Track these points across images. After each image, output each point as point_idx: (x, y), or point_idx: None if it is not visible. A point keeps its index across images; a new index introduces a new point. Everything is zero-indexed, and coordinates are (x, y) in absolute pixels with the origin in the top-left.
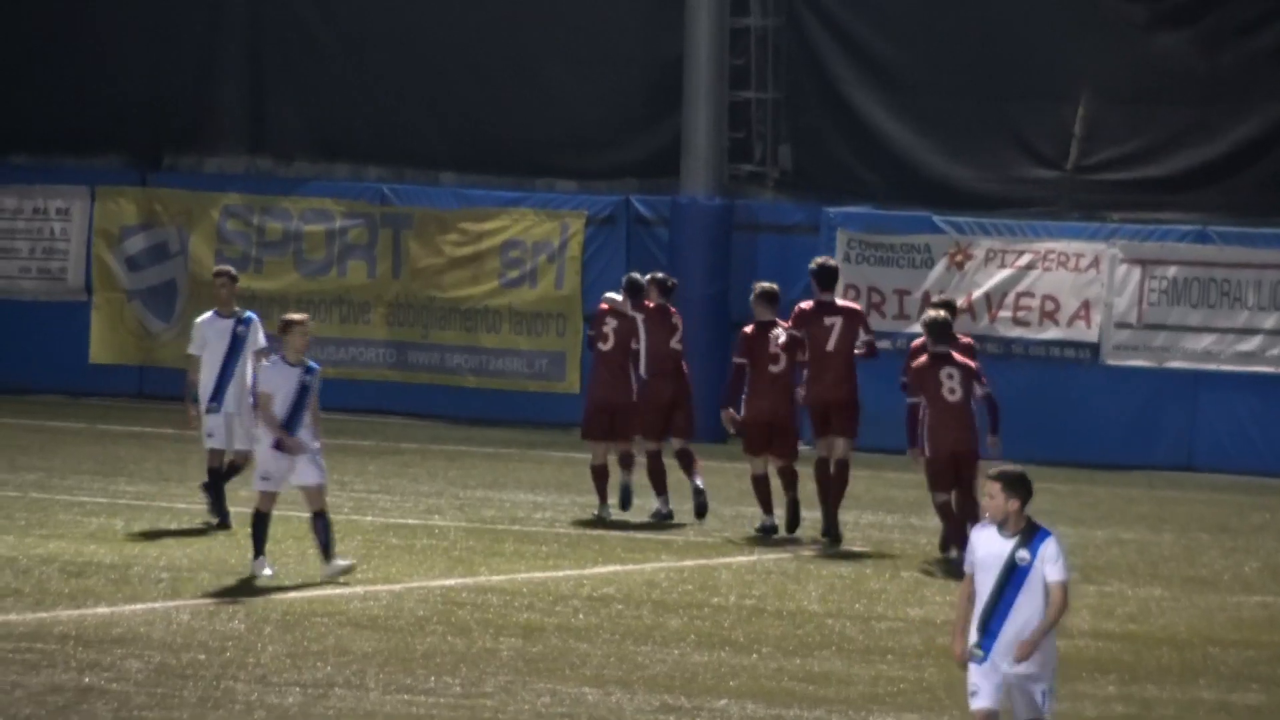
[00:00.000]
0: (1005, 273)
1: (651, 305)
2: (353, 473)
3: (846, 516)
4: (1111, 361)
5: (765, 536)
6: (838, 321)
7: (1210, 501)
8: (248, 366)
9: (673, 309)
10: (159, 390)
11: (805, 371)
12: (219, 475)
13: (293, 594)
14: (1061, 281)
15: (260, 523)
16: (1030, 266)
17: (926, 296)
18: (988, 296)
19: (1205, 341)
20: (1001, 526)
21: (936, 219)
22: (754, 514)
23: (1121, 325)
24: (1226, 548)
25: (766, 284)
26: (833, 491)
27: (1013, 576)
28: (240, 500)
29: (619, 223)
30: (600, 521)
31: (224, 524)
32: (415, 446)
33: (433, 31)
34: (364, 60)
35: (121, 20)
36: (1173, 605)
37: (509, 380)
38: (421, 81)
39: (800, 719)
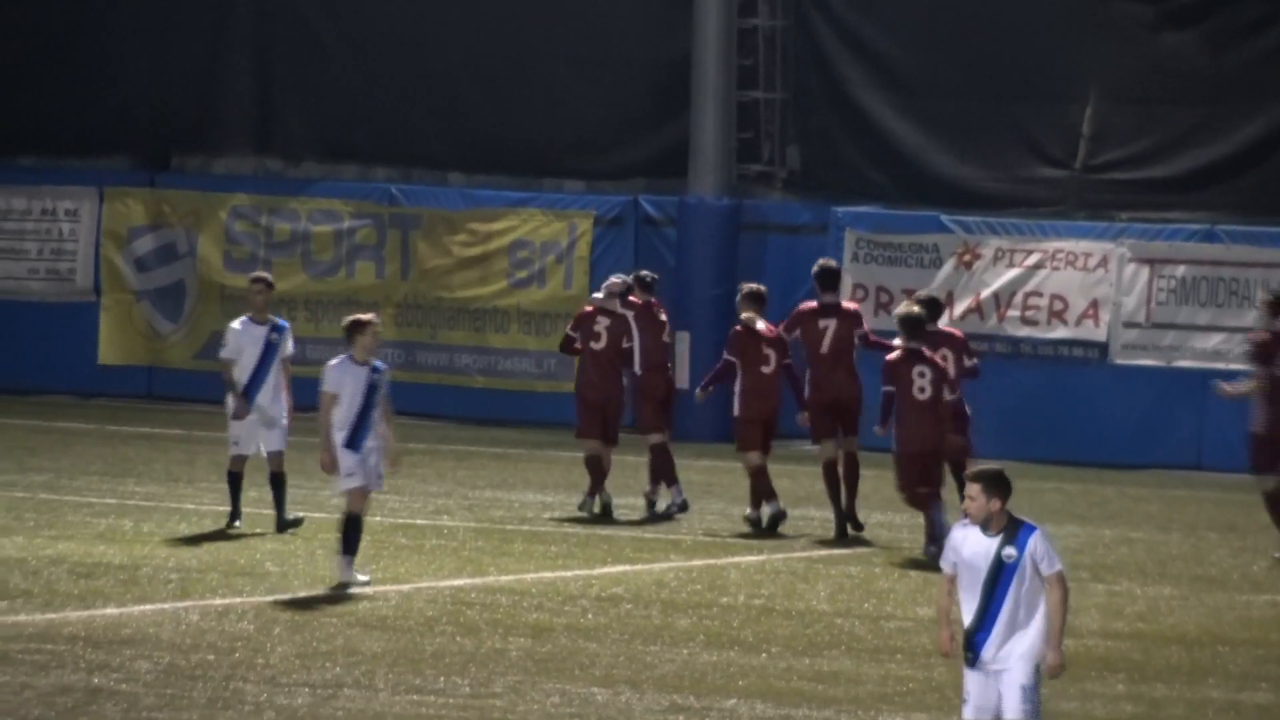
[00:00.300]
0: (1013, 272)
1: (638, 302)
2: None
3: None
4: (1120, 361)
5: (778, 523)
6: (832, 324)
7: (1219, 501)
8: (278, 374)
9: (656, 303)
10: (168, 391)
11: (807, 373)
12: (238, 480)
13: (301, 594)
14: (1069, 281)
15: (353, 526)
16: (1038, 266)
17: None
18: (996, 296)
19: (1213, 341)
20: (985, 526)
21: (945, 219)
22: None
23: (1130, 324)
24: (1235, 547)
25: (752, 284)
26: (847, 485)
27: (1001, 575)
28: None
29: (627, 223)
30: (589, 515)
31: (234, 520)
32: (424, 447)
33: (440, 32)
34: (371, 61)
35: (129, 22)
36: (1181, 604)
37: (517, 381)
38: (429, 82)
39: (809, 718)
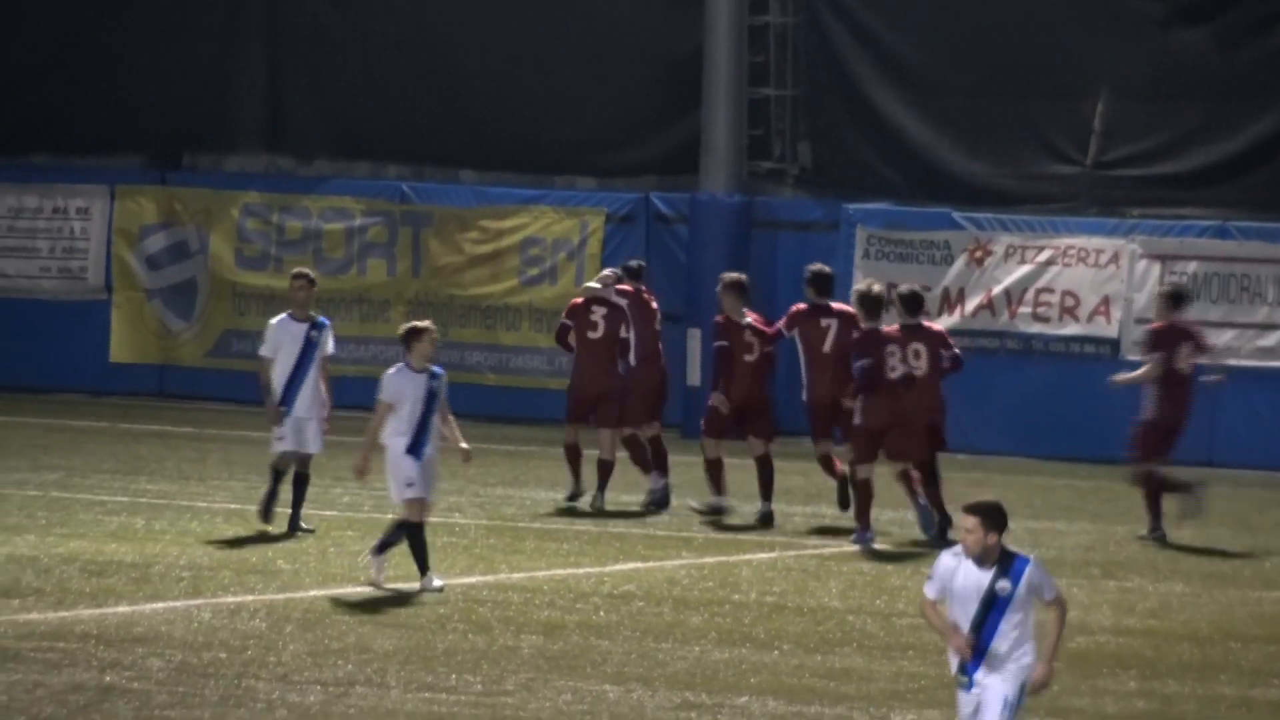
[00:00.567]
0: (1025, 269)
1: (630, 290)
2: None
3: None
4: (1132, 357)
5: (716, 516)
6: (834, 323)
7: (1230, 497)
8: (317, 371)
9: (647, 291)
10: (179, 389)
11: (806, 373)
12: (281, 476)
13: (313, 592)
14: (1081, 277)
15: (416, 536)
16: (1050, 262)
17: (946, 293)
18: (1007, 293)
19: (1225, 337)
20: (979, 559)
21: (956, 215)
22: (776, 510)
23: (1141, 321)
24: (1247, 543)
25: (734, 274)
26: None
27: (993, 608)
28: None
29: (638, 220)
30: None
31: (266, 519)
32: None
33: (451, 30)
34: (383, 58)
35: (140, 20)
36: (1193, 600)
37: (529, 378)
38: (441, 79)
39: (821, 716)
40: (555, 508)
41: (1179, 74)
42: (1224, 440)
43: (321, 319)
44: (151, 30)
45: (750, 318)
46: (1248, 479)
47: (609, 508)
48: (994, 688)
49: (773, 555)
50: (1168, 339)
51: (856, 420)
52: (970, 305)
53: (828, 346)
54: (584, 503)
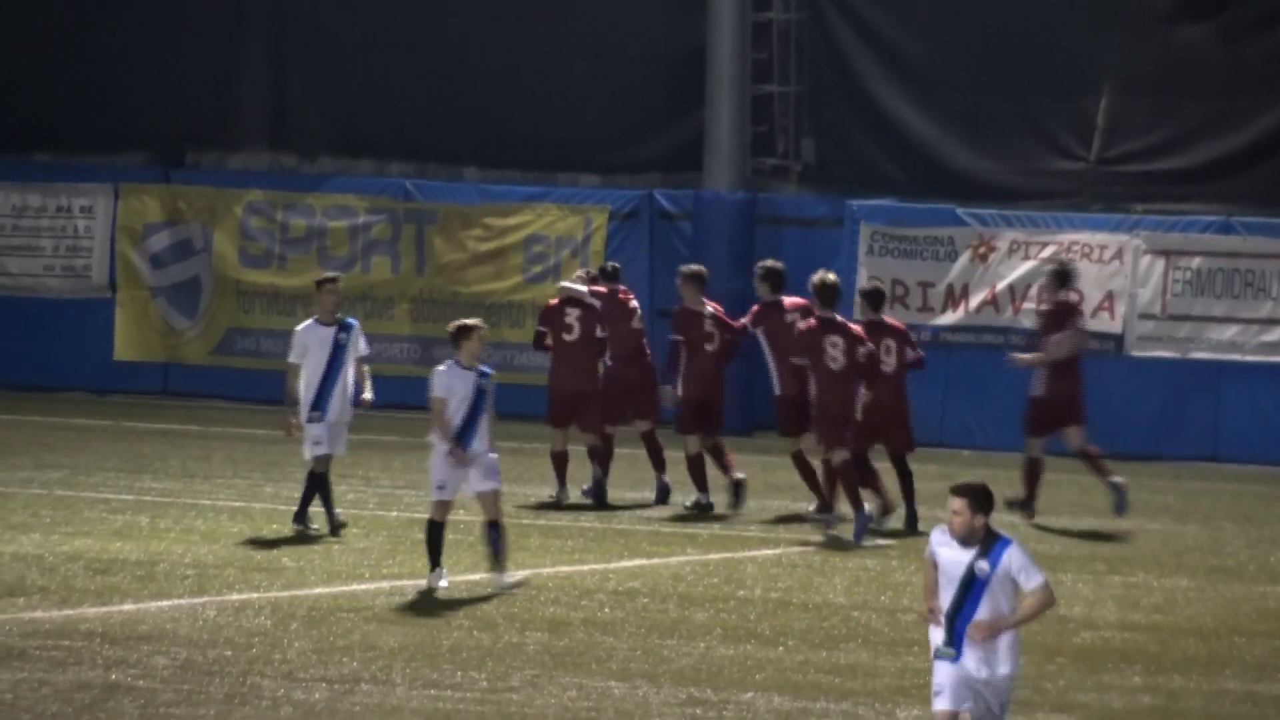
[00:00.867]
0: (1029, 265)
1: (604, 291)
2: (378, 468)
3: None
4: (1135, 353)
5: (700, 512)
6: (797, 318)
7: (1235, 492)
8: (350, 373)
9: (624, 291)
10: (183, 387)
11: (775, 369)
12: (317, 480)
13: (318, 590)
14: (1085, 273)
15: (435, 533)
16: (1054, 258)
17: (950, 289)
18: (1011, 289)
19: (1229, 332)
20: (964, 540)
21: (960, 211)
22: (779, 506)
23: (1145, 316)
24: (1252, 538)
25: (693, 266)
26: (808, 477)
27: (972, 587)
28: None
29: (642, 217)
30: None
31: (336, 529)
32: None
33: (455, 27)
34: (386, 56)
35: (144, 18)
36: (1198, 596)
37: (533, 375)
38: (444, 77)
39: (827, 711)
40: (559, 504)
41: (1183, 70)
42: (1229, 435)
43: (349, 320)
44: (155, 28)
45: (711, 307)
46: (1252, 474)
47: (612, 502)
48: (986, 672)
49: (778, 551)
50: (1056, 319)
51: (814, 415)
52: (974, 301)
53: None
54: (576, 497)
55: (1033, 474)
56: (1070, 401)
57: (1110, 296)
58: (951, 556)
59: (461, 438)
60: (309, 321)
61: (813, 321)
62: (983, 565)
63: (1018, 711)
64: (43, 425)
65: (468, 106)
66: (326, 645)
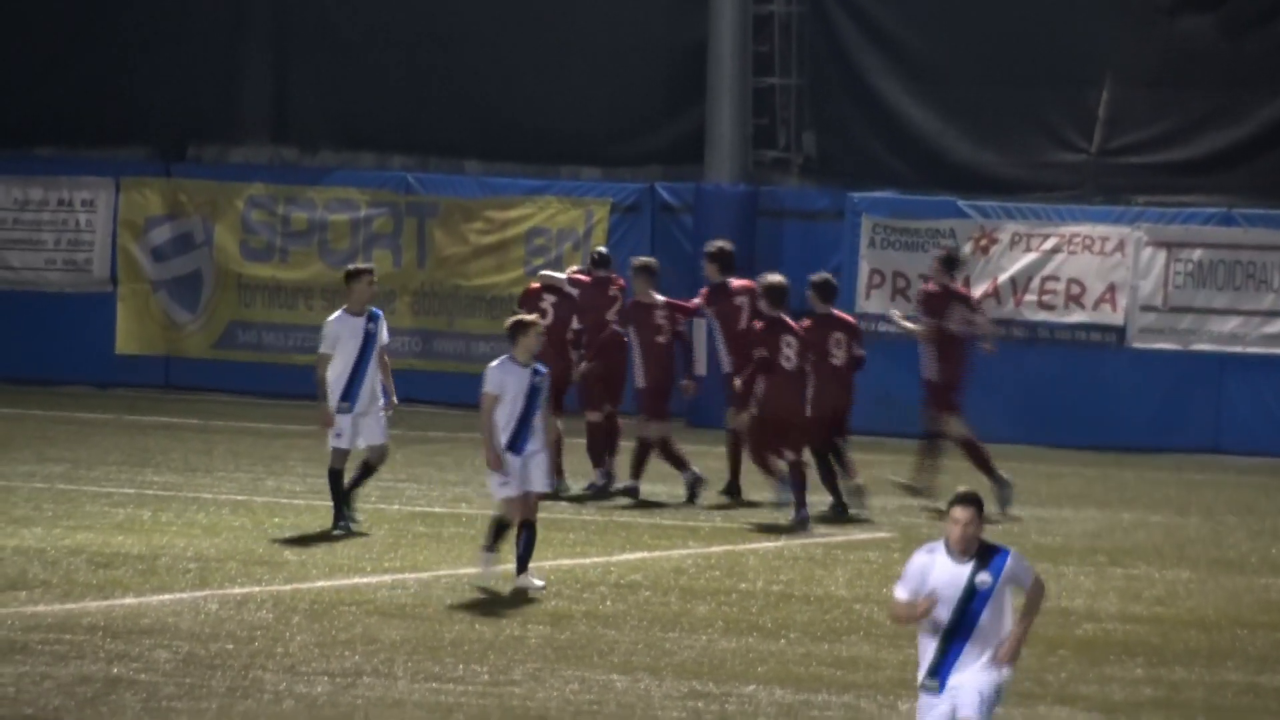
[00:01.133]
0: (1030, 257)
1: (588, 281)
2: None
3: (875, 501)
4: (1137, 345)
5: (694, 492)
6: (745, 301)
7: (1237, 484)
8: (376, 364)
9: (614, 281)
10: (185, 381)
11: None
12: (340, 477)
13: (320, 583)
14: (1087, 265)
15: (519, 532)
16: (1055, 250)
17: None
18: (1013, 281)
19: (1231, 324)
20: (959, 553)
21: (961, 204)
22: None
23: (1147, 308)
24: (1253, 530)
25: (644, 258)
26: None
27: (972, 602)
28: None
29: (644, 210)
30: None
31: (343, 526)
32: (442, 435)
33: (456, 20)
34: (387, 50)
35: (146, 12)
36: (1200, 588)
37: None
38: (445, 70)
39: (829, 704)
40: (575, 500)
41: (1184, 61)
42: (1230, 427)
43: (375, 310)
44: (157, 23)
45: (662, 299)
46: (1254, 466)
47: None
48: (968, 685)
49: (779, 544)
50: (940, 301)
51: (755, 411)
52: (975, 293)
53: (743, 324)
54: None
55: (975, 452)
56: (950, 388)
57: (1112, 289)
58: (947, 575)
59: (516, 437)
60: (339, 313)
61: (767, 322)
62: (984, 578)
63: (1019, 704)
64: (44, 419)
65: (469, 99)
66: (328, 639)
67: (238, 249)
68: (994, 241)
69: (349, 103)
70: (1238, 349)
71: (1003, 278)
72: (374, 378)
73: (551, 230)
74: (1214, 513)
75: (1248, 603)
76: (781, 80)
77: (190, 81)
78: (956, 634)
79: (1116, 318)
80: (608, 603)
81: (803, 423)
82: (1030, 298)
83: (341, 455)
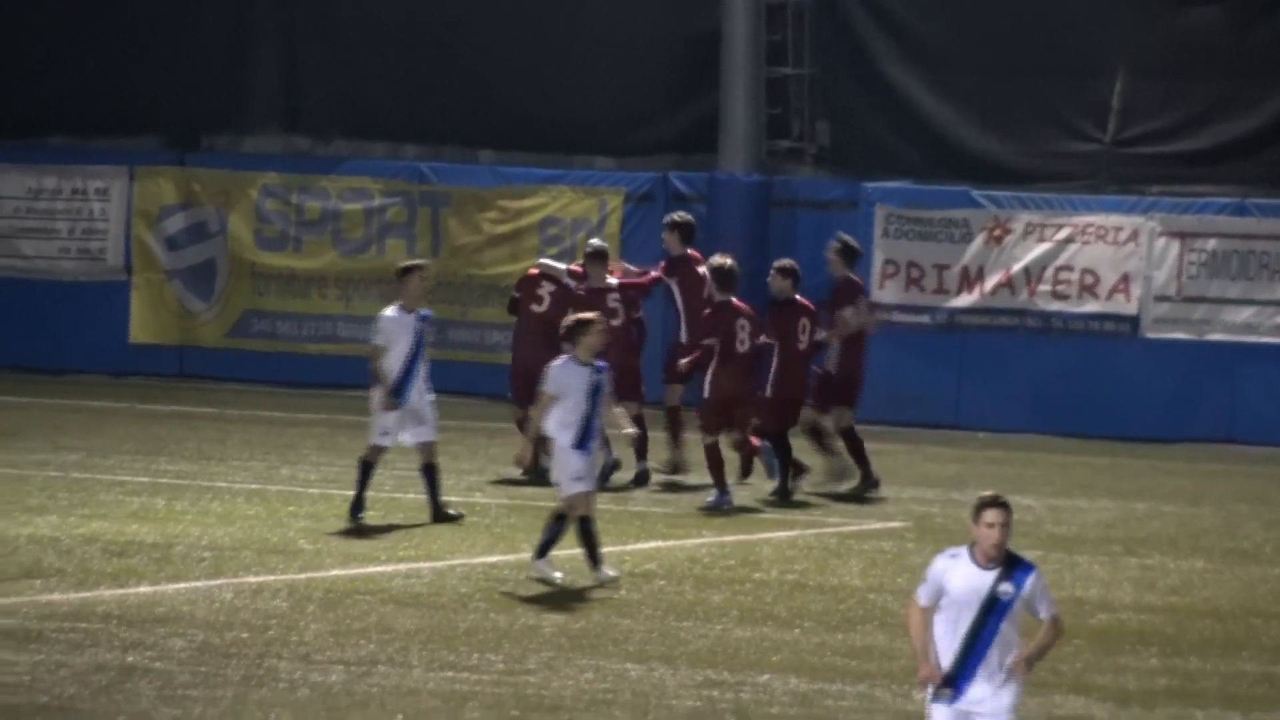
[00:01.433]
0: (1044, 247)
1: (580, 272)
2: (394, 451)
3: (887, 491)
4: (1151, 335)
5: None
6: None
7: (1250, 474)
8: (426, 361)
9: (615, 271)
10: (199, 370)
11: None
12: (370, 469)
13: (335, 572)
14: (1100, 255)
15: (587, 529)
16: (1069, 240)
17: (966, 271)
18: (1026, 271)
19: (1245, 314)
20: (985, 559)
21: (975, 193)
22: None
23: (1161, 298)
24: (1267, 520)
25: (595, 242)
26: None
27: (994, 611)
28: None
29: (657, 199)
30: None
31: (359, 517)
32: (455, 424)
33: (469, 9)
34: (400, 39)
35: (158, 1)
36: (1214, 577)
37: None
38: (458, 60)
39: (843, 694)
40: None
41: (1197, 51)
42: (1244, 417)
43: (425, 310)
44: (169, 11)
45: (615, 282)
46: (1268, 456)
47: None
48: (988, 701)
49: (793, 534)
50: (843, 294)
51: (706, 393)
52: (989, 283)
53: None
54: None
55: (854, 445)
56: (848, 380)
57: (1126, 279)
58: (967, 582)
59: (582, 435)
60: (393, 309)
61: (720, 306)
62: (1006, 588)
63: (1035, 694)
64: (58, 408)
65: (482, 89)
66: (343, 627)
67: (252, 238)
68: (1008, 231)
69: (362, 92)
70: (1252, 339)
71: (1016, 268)
72: (424, 377)
73: (565, 220)
74: (1228, 502)
75: (1262, 593)
76: (795, 70)
77: (203, 70)
78: (974, 645)
79: (1130, 308)
80: (622, 591)
81: (754, 403)
82: (1044, 288)
83: (377, 450)
